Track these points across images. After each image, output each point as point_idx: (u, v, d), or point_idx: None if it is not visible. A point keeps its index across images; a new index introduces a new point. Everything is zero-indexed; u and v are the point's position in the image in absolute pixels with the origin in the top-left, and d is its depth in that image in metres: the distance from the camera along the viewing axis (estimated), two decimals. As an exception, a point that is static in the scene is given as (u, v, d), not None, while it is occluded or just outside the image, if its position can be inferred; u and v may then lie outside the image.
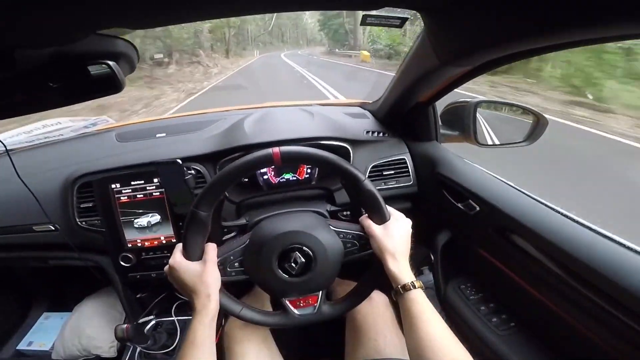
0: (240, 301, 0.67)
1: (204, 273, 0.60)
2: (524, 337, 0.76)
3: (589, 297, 0.57)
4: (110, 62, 0.47)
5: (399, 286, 0.58)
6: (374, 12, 0.64)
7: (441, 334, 0.52)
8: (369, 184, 0.61)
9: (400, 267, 0.60)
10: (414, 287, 0.57)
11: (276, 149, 0.58)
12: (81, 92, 0.51)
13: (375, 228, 0.63)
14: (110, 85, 0.49)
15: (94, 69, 0.46)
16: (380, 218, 0.63)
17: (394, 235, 0.62)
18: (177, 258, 0.61)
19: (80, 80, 0.47)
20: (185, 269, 0.60)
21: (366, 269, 0.69)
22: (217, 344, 0.79)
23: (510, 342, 0.75)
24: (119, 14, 0.38)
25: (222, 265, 0.64)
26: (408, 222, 0.66)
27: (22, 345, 1.30)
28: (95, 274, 1.10)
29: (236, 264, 0.65)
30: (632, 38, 0.40)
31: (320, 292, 0.66)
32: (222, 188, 0.60)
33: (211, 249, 0.63)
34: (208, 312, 0.58)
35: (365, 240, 0.65)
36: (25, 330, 1.36)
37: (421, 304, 0.56)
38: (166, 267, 0.63)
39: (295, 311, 0.66)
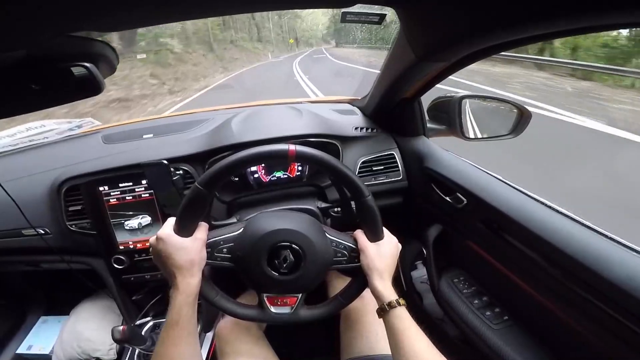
0: (218, 289, 0.66)
1: (191, 250, 0.58)
2: (517, 331, 0.77)
3: (576, 290, 0.58)
4: (88, 64, 0.46)
5: (385, 303, 0.59)
6: (352, 10, 0.64)
7: (425, 349, 0.54)
8: (371, 201, 0.62)
9: (385, 285, 0.61)
10: (399, 304, 0.58)
11: (293, 147, 0.58)
12: (60, 94, 0.50)
13: (368, 245, 0.64)
14: (90, 87, 0.48)
15: (71, 72, 0.46)
16: (375, 236, 0.64)
17: (385, 255, 0.63)
18: (167, 230, 0.59)
19: (59, 82, 0.47)
20: (173, 242, 0.57)
21: (350, 281, 0.70)
22: (210, 344, 0.79)
23: (504, 336, 0.76)
24: (86, 17, 0.38)
25: (210, 249, 0.62)
26: (398, 246, 0.67)
27: (21, 349, 1.31)
28: (86, 280, 1.10)
29: (224, 250, 0.63)
30: (598, 30, 0.41)
31: (300, 294, 0.66)
32: (231, 172, 0.59)
33: (203, 228, 0.62)
34: (192, 292, 0.57)
35: (355, 253, 0.65)
36: (23, 334, 1.36)
37: (406, 320, 0.57)
38: (152, 238, 0.60)
39: (272, 308, 0.66)
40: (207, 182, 0.58)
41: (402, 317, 0.57)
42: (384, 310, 0.59)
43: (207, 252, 0.61)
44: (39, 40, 0.39)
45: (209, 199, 0.60)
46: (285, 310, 0.66)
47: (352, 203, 0.68)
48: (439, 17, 0.52)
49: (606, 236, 0.57)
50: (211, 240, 0.63)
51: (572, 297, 0.59)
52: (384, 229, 0.66)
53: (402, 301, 0.59)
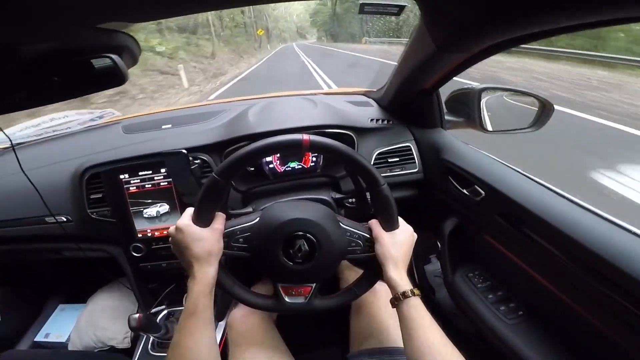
0: (234, 278, 0.67)
1: (209, 240, 0.59)
2: (532, 326, 0.75)
3: (596, 286, 0.56)
4: (113, 56, 0.48)
5: (399, 293, 0.58)
6: (371, 0, 0.64)
7: (440, 340, 0.53)
8: (387, 190, 0.62)
9: (400, 275, 0.61)
10: (414, 294, 0.58)
11: (306, 136, 0.59)
12: (85, 85, 0.51)
13: (383, 234, 0.63)
14: (114, 78, 0.49)
15: (97, 63, 0.47)
16: (391, 225, 0.64)
17: (400, 244, 0.63)
18: (186, 220, 0.60)
19: (84, 73, 0.48)
20: (192, 232, 0.59)
21: (364, 271, 0.70)
22: (222, 333, 0.79)
23: (518, 331, 0.75)
24: (117, 8, 0.39)
25: (227, 238, 0.63)
26: (414, 235, 0.67)
27: (39, 337, 1.33)
28: (104, 270, 1.12)
29: (241, 240, 0.64)
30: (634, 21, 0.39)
31: (315, 284, 0.67)
32: (247, 162, 0.60)
33: (220, 218, 0.62)
34: (208, 281, 0.58)
35: (370, 243, 0.65)
36: (41, 322, 1.39)
37: (420, 311, 0.56)
38: (172, 228, 0.61)
39: (286, 298, 0.66)
40: (224, 172, 0.59)
41: (417, 307, 0.57)
42: (398, 300, 0.58)
43: (224, 242, 0.62)
44: (70, 33, 0.40)
45: (226, 189, 0.61)
46: (300, 300, 0.67)
47: (367, 194, 0.67)
48: (461, 6, 0.51)
49: (630, 231, 0.56)
50: (228, 230, 0.63)
51: (592, 292, 0.58)
52: (400, 218, 0.66)
53: (416, 291, 0.58)
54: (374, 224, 0.66)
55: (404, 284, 0.59)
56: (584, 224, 0.60)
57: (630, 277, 0.50)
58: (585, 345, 0.65)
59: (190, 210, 0.61)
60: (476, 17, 0.50)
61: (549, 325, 0.74)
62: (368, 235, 0.66)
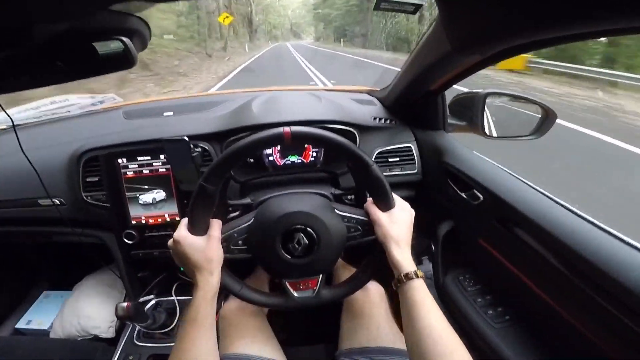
0: (241, 281, 0.68)
1: (208, 248, 0.59)
2: (518, 331, 0.76)
3: (588, 293, 0.56)
4: (125, 39, 0.48)
5: (402, 274, 0.58)
6: None
7: (441, 324, 0.53)
8: (377, 170, 0.61)
9: (403, 254, 0.60)
10: (417, 276, 0.57)
11: (287, 128, 0.58)
12: (96, 66, 0.51)
13: (380, 214, 0.63)
14: (124, 60, 0.49)
15: (108, 45, 0.47)
16: (386, 205, 0.63)
17: (399, 222, 0.62)
18: (182, 232, 0.60)
19: (95, 55, 0.48)
20: (189, 243, 0.59)
21: (367, 255, 0.69)
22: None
23: (504, 335, 0.76)
24: None
25: (226, 243, 0.63)
26: (412, 211, 0.66)
27: (21, 324, 1.30)
28: (93, 256, 1.11)
29: (240, 242, 0.65)
30: None
31: (321, 275, 0.66)
32: (232, 163, 0.60)
33: (216, 225, 0.63)
34: (210, 289, 0.58)
35: (368, 226, 0.65)
36: (24, 308, 1.36)
37: (423, 293, 0.56)
38: (170, 241, 0.62)
39: (295, 293, 0.66)
40: (210, 178, 0.59)
41: (419, 288, 0.56)
42: (400, 282, 0.58)
43: (224, 247, 0.62)
44: (87, 12, 0.40)
45: (216, 195, 0.60)
46: (308, 293, 0.67)
47: (367, 194, 0.67)
48: (483, 10, 0.51)
49: (623, 240, 0.56)
50: (225, 234, 0.64)
51: (583, 299, 0.58)
52: (396, 196, 0.65)
53: (420, 273, 0.58)
54: (370, 206, 0.65)
55: (407, 264, 0.59)
56: (580, 233, 0.60)
57: (624, 288, 0.51)
58: (573, 351, 0.65)
59: (185, 221, 0.62)
60: (497, 19, 0.50)
61: (535, 330, 0.74)
62: (366, 219, 0.66)
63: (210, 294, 0.58)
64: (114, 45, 0.47)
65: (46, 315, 1.31)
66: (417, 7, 0.72)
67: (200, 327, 0.56)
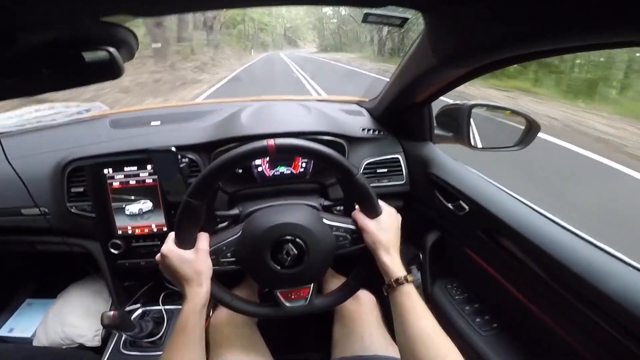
0: (231, 292, 0.68)
1: (196, 261, 0.60)
2: (505, 338, 0.78)
3: (570, 302, 0.58)
4: (111, 49, 0.47)
5: (392, 280, 0.58)
6: (376, 11, 0.65)
7: (432, 328, 0.54)
8: (362, 179, 0.62)
9: (393, 260, 0.61)
10: (407, 281, 0.58)
11: (271, 141, 0.58)
12: (81, 76, 0.51)
13: (367, 222, 0.64)
14: (110, 70, 0.49)
15: (95, 55, 0.47)
16: (373, 212, 0.64)
17: (387, 228, 0.63)
18: (170, 246, 0.61)
19: (81, 64, 0.47)
20: (177, 257, 0.59)
21: (357, 264, 0.70)
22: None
23: (492, 343, 0.77)
24: (122, 1, 0.38)
25: (215, 255, 0.63)
26: (398, 216, 0.68)
27: (2, 332, 1.27)
28: (82, 262, 1.09)
29: (229, 255, 0.65)
30: (632, 45, 0.41)
31: (312, 284, 0.67)
32: (217, 178, 0.60)
33: (204, 238, 0.63)
34: (200, 300, 0.58)
35: (357, 234, 0.66)
36: (6, 316, 1.32)
37: (414, 298, 0.57)
38: (158, 256, 0.62)
39: (286, 303, 0.67)
40: (196, 193, 0.59)
41: (410, 294, 0.57)
42: (391, 287, 0.58)
43: (212, 260, 0.63)
44: (74, 22, 0.40)
45: (202, 209, 0.61)
46: (300, 302, 0.67)
47: (356, 205, 0.68)
48: (468, 24, 0.52)
49: (603, 250, 0.58)
50: (214, 247, 0.64)
51: (566, 307, 0.60)
52: (382, 202, 0.66)
53: (410, 278, 0.58)
54: (357, 214, 0.66)
55: (397, 269, 0.59)
56: (562, 243, 0.62)
57: (604, 296, 0.52)
58: (555, 358, 0.67)
59: (172, 235, 0.62)
60: (481, 34, 0.51)
61: (521, 338, 0.76)
62: (354, 227, 0.66)
63: (199, 305, 0.58)
64: (100, 55, 0.46)
65: (29, 324, 1.28)
66: (404, 21, 0.73)
67: (188, 337, 0.56)
